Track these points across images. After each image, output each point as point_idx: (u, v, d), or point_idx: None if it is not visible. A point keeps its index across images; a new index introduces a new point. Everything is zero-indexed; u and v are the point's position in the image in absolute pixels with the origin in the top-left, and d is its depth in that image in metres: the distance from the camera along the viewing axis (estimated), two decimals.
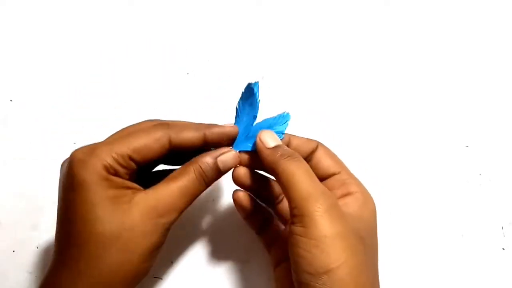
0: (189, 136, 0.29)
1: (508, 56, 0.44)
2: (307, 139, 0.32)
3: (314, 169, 0.31)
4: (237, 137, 0.31)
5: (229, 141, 0.30)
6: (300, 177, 0.27)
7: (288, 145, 0.31)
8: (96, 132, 0.42)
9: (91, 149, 0.28)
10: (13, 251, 0.38)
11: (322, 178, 0.31)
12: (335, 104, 0.43)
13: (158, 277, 0.37)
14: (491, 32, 0.45)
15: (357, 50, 0.45)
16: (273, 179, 0.33)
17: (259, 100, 0.30)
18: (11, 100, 0.43)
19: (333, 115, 0.42)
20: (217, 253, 0.38)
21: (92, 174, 0.26)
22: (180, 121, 0.30)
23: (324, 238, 0.25)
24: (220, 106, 0.41)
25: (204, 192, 0.34)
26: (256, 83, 0.29)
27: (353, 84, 0.43)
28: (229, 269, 0.38)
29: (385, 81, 0.44)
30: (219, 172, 0.30)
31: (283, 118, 0.31)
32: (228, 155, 0.30)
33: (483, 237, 0.38)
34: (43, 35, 0.45)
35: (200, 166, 0.29)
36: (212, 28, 0.45)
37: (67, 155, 0.29)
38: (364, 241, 0.27)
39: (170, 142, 0.29)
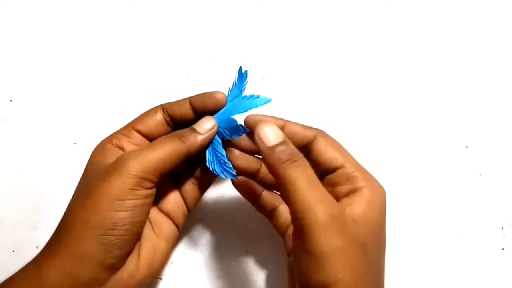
0: (178, 105, 0.31)
1: (508, 56, 0.44)
2: (304, 126, 0.30)
3: (316, 163, 0.29)
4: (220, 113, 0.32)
5: (215, 106, 0.31)
6: (299, 186, 0.25)
7: (282, 131, 0.28)
8: (96, 132, 0.42)
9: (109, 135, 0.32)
10: (13, 251, 0.38)
11: (326, 172, 0.30)
12: (335, 104, 0.43)
13: (158, 277, 0.37)
14: (491, 32, 0.45)
15: (357, 50, 0.45)
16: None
17: (245, 87, 0.32)
18: (11, 100, 0.43)
19: (333, 115, 0.42)
20: (217, 253, 0.38)
21: (96, 149, 0.31)
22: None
23: (321, 254, 0.24)
24: None
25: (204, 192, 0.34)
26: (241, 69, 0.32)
27: (352, 84, 0.43)
28: (229, 269, 0.38)
29: (385, 81, 0.44)
30: (197, 133, 0.30)
31: (261, 101, 0.32)
32: (205, 120, 0.31)
33: (483, 238, 0.38)
34: (43, 35, 0.45)
35: (177, 131, 0.31)
36: (212, 28, 0.45)
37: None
38: (367, 249, 0.26)
39: (167, 112, 0.32)
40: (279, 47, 0.45)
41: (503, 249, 0.38)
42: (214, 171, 0.31)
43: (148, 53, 0.45)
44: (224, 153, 0.31)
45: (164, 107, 0.32)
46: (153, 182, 0.28)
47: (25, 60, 0.44)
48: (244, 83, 0.32)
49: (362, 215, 0.27)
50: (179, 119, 0.32)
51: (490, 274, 0.37)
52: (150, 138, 0.32)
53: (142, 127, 0.31)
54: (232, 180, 0.32)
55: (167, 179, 0.33)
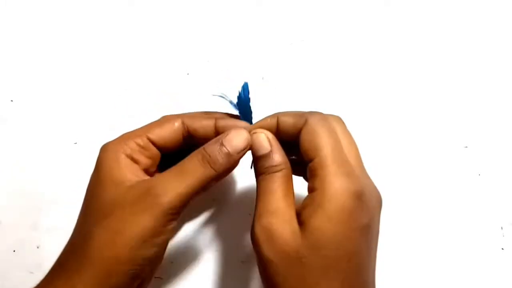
0: (202, 123, 0.30)
1: (508, 56, 0.44)
2: (295, 114, 0.28)
3: (300, 148, 0.27)
4: None
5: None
6: (268, 196, 0.27)
7: (277, 127, 0.29)
8: (96, 132, 0.42)
9: (115, 139, 0.30)
10: (14, 251, 0.38)
11: (306, 162, 0.27)
12: (334, 104, 0.43)
13: (158, 277, 0.37)
14: (491, 32, 0.45)
15: (357, 50, 0.45)
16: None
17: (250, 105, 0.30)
18: (11, 100, 0.43)
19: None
20: (217, 253, 0.38)
21: (107, 157, 0.28)
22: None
23: (260, 266, 0.26)
24: (221, 106, 0.41)
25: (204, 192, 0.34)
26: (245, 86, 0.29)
27: (352, 84, 0.43)
28: (229, 269, 0.38)
29: (385, 81, 0.44)
30: (227, 154, 0.27)
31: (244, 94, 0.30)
32: (234, 134, 0.27)
33: (483, 237, 0.38)
34: (43, 35, 0.45)
35: (204, 149, 0.27)
36: (212, 28, 0.45)
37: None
38: (307, 260, 0.25)
39: (186, 128, 0.30)
40: (279, 47, 0.45)
41: (502, 249, 0.38)
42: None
43: (148, 53, 0.45)
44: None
45: (184, 123, 0.30)
46: (181, 211, 0.27)
47: (25, 60, 0.44)
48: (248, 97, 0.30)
49: (309, 224, 0.25)
50: (198, 138, 0.30)
51: (490, 274, 0.37)
52: (163, 149, 0.30)
53: (156, 138, 0.30)
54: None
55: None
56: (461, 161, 0.41)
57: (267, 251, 0.25)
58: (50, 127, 0.42)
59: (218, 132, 0.29)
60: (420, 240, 0.38)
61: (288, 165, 0.28)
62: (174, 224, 0.27)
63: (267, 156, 0.28)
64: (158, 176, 0.27)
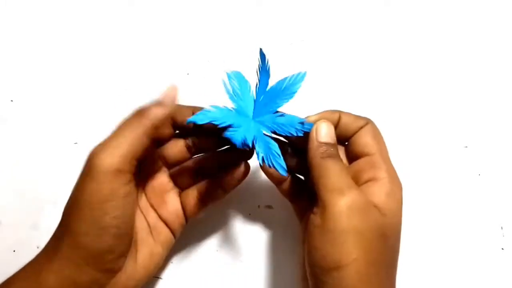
0: (186, 114, 0.31)
1: (508, 56, 0.44)
2: (357, 116, 0.31)
3: (352, 144, 0.31)
4: (257, 105, 0.31)
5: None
6: (331, 172, 0.27)
7: (337, 123, 0.31)
8: (96, 132, 0.42)
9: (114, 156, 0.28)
10: (14, 251, 0.38)
11: (357, 156, 0.30)
12: (334, 104, 0.42)
13: (158, 277, 0.37)
14: (491, 32, 0.45)
15: (357, 50, 0.45)
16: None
17: (269, 66, 0.31)
18: (11, 100, 0.43)
19: None
20: (217, 253, 0.38)
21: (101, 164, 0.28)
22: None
23: (340, 232, 0.25)
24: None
25: None
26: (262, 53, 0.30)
27: (352, 84, 0.43)
28: (229, 269, 0.38)
29: (385, 81, 0.44)
30: (157, 103, 0.28)
31: (298, 78, 0.31)
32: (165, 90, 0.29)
33: (482, 237, 0.38)
34: (43, 35, 0.45)
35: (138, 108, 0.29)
36: (212, 28, 0.45)
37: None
38: (386, 239, 0.27)
39: (172, 122, 0.31)
40: (279, 47, 0.45)
41: (502, 248, 0.38)
42: (269, 165, 0.30)
43: (148, 53, 0.45)
44: (278, 149, 0.30)
45: (171, 116, 0.31)
46: (129, 173, 0.27)
47: (25, 60, 0.44)
48: (298, 85, 0.31)
49: (383, 205, 0.27)
50: (183, 130, 0.32)
51: (490, 273, 0.37)
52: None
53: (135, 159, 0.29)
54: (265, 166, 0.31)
55: (171, 186, 0.33)
56: (461, 161, 0.41)
57: (360, 223, 0.25)
58: (50, 127, 0.42)
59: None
60: (420, 240, 0.38)
61: None
62: (124, 188, 0.27)
63: (333, 144, 0.29)
64: (99, 144, 0.28)
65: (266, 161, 0.29)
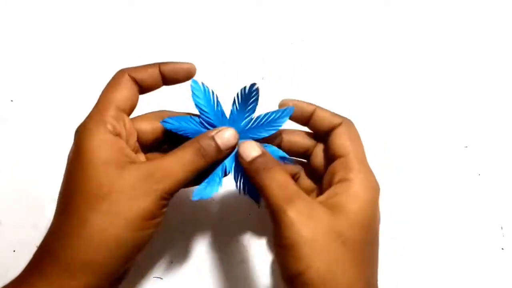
0: (148, 72, 0.31)
1: (508, 56, 0.44)
2: (333, 113, 0.31)
3: (329, 146, 0.31)
4: (236, 129, 0.31)
5: (187, 78, 0.31)
6: (271, 189, 0.27)
7: (311, 116, 0.31)
8: None
9: (89, 117, 0.30)
10: (14, 251, 0.38)
11: (333, 157, 0.30)
12: (334, 104, 0.42)
13: (158, 277, 0.37)
14: (491, 32, 0.45)
15: (356, 50, 0.45)
16: (302, 132, 0.33)
17: (257, 104, 0.31)
18: (11, 100, 0.43)
19: None
20: (217, 253, 0.38)
21: (91, 138, 0.28)
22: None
23: (293, 245, 0.26)
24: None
25: None
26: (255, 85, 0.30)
27: (352, 84, 0.43)
28: (229, 269, 0.38)
29: (385, 81, 0.44)
30: (217, 148, 0.29)
31: (285, 112, 0.31)
32: (225, 131, 0.30)
33: (482, 237, 0.38)
34: (43, 35, 0.45)
35: (198, 141, 0.29)
36: (212, 29, 0.45)
37: (67, 155, 0.30)
38: (345, 240, 0.26)
39: (135, 81, 0.31)
40: (279, 47, 0.45)
41: (502, 248, 0.38)
42: (245, 193, 0.31)
43: (148, 53, 0.45)
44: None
45: (131, 76, 0.31)
46: (174, 195, 0.28)
47: (25, 60, 0.44)
48: (284, 119, 0.31)
49: (343, 207, 0.27)
50: (148, 88, 0.32)
51: (490, 273, 0.37)
52: (129, 112, 0.31)
53: (122, 104, 0.30)
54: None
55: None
56: (461, 161, 0.41)
57: (308, 231, 0.26)
58: (50, 127, 0.42)
59: (164, 77, 0.31)
60: (420, 240, 0.38)
61: None
62: (166, 208, 0.28)
63: (263, 154, 0.29)
64: (158, 161, 0.28)
65: (243, 190, 0.31)
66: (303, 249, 0.25)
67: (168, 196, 0.28)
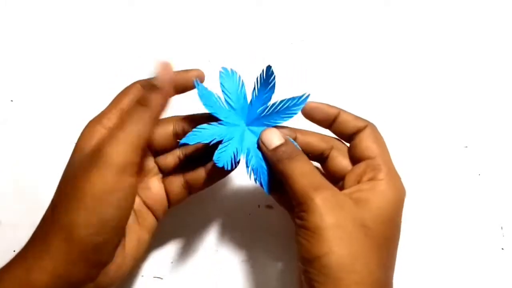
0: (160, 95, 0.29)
1: (508, 56, 0.44)
2: (356, 116, 0.32)
3: (354, 147, 0.31)
4: (251, 116, 0.31)
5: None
6: (296, 177, 0.28)
7: (335, 119, 0.32)
8: None
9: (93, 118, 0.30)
10: (14, 251, 0.38)
11: (358, 159, 0.31)
12: (335, 104, 0.43)
13: (158, 277, 0.37)
14: (491, 32, 0.45)
15: (357, 50, 0.45)
16: (317, 134, 0.33)
17: (275, 84, 0.31)
18: (11, 100, 0.43)
19: None
20: (217, 253, 0.38)
21: (87, 129, 0.29)
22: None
23: (318, 229, 0.26)
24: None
25: (204, 191, 0.34)
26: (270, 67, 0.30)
27: (352, 84, 0.43)
28: (229, 269, 0.38)
29: (385, 81, 0.44)
30: (153, 89, 0.28)
31: (300, 100, 0.31)
32: (160, 65, 0.29)
33: (482, 237, 0.38)
34: (43, 35, 0.45)
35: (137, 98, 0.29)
36: (212, 28, 0.45)
37: (67, 155, 0.30)
38: (368, 230, 0.27)
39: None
40: (279, 47, 0.45)
41: (502, 248, 0.38)
42: (256, 180, 0.31)
43: (148, 53, 0.45)
44: (267, 166, 0.31)
45: (140, 84, 0.31)
46: (136, 165, 0.27)
47: (25, 60, 0.44)
48: (299, 106, 0.31)
49: (368, 201, 0.28)
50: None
51: (490, 273, 0.38)
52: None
53: (125, 107, 0.30)
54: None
55: (155, 171, 0.33)
56: (461, 161, 0.41)
57: (333, 217, 0.27)
58: (50, 127, 0.42)
59: (174, 85, 0.31)
60: (420, 240, 0.38)
61: None
62: (128, 180, 0.27)
63: (287, 143, 0.30)
64: (106, 137, 0.28)
65: (254, 175, 0.31)
66: (326, 234, 0.26)
67: (121, 167, 0.26)
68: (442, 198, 0.40)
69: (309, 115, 0.32)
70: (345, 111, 0.32)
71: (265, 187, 0.31)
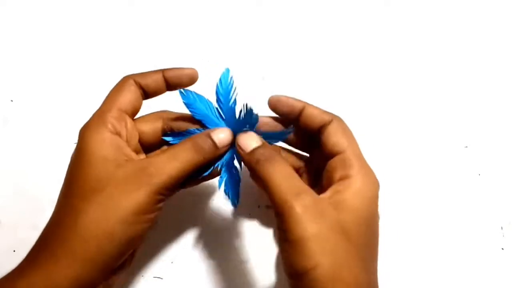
0: (152, 78, 0.31)
1: (508, 56, 0.44)
2: (323, 110, 0.31)
3: (323, 145, 0.30)
4: (238, 129, 0.31)
5: (190, 83, 0.32)
6: (275, 181, 0.27)
7: (301, 113, 0.31)
8: None
9: (92, 117, 0.30)
10: (14, 251, 0.38)
11: (329, 156, 0.30)
12: (334, 104, 0.42)
13: (158, 277, 0.37)
14: (491, 32, 0.45)
15: (356, 50, 0.45)
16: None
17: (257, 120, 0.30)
18: (11, 100, 0.43)
19: None
20: (217, 253, 0.38)
21: (92, 136, 0.28)
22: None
23: (299, 240, 0.25)
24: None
25: (204, 191, 0.34)
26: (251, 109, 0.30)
27: (352, 84, 0.43)
28: (229, 269, 0.38)
29: (385, 81, 0.44)
30: (214, 145, 0.30)
31: (282, 134, 0.32)
32: (221, 130, 0.30)
33: (483, 237, 0.38)
34: (43, 35, 0.45)
35: (194, 138, 0.30)
36: (212, 29, 0.45)
37: (67, 155, 0.30)
38: (350, 236, 0.27)
39: (140, 86, 0.31)
40: (279, 47, 0.45)
41: (502, 249, 0.38)
42: (225, 192, 0.31)
43: (148, 53, 0.45)
44: (239, 178, 0.31)
45: (136, 81, 0.31)
46: (170, 191, 0.28)
47: (25, 60, 0.44)
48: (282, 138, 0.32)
49: (347, 203, 0.28)
50: (151, 93, 0.32)
51: (490, 274, 0.37)
52: (132, 115, 0.32)
53: (124, 106, 0.31)
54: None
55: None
56: (461, 161, 0.41)
57: (315, 227, 0.26)
58: (50, 127, 0.42)
59: (167, 82, 0.31)
60: (420, 240, 0.38)
61: None
62: (163, 203, 0.28)
63: (264, 145, 0.29)
64: (152, 157, 0.29)
65: (225, 186, 0.31)
66: (310, 246, 0.25)
67: (163, 191, 0.28)
68: (442, 198, 0.40)
69: (275, 108, 0.32)
70: (311, 105, 0.32)
71: (232, 199, 0.31)
